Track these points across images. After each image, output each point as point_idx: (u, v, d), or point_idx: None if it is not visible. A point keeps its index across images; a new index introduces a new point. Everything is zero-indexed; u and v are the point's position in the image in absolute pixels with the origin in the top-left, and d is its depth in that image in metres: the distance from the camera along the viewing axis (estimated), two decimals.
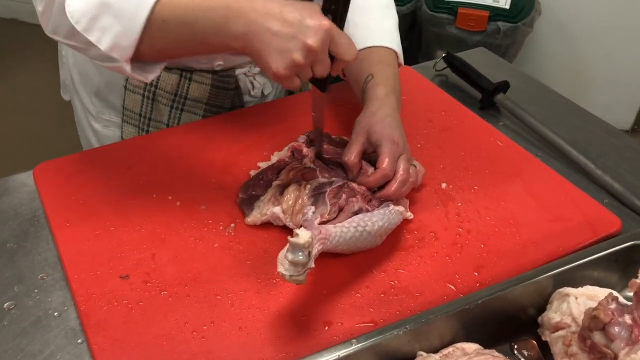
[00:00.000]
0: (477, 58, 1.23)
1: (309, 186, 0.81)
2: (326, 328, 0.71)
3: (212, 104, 1.03)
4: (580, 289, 0.68)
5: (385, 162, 0.81)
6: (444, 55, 1.18)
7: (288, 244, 0.65)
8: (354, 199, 0.79)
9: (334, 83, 1.10)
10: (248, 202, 0.84)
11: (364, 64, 0.94)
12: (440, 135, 1.01)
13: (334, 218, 0.78)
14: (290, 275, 0.65)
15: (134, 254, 0.78)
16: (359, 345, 0.62)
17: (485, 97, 1.10)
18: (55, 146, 2.40)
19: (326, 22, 0.68)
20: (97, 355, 0.67)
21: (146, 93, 1.01)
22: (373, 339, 0.63)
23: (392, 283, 0.76)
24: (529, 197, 0.89)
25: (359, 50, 0.95)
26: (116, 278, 0.75)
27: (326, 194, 0.79)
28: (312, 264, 0.66)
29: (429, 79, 1.16)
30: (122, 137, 1.05)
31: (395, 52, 0.98)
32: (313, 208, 0.78)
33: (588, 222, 0.85)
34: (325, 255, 0.77)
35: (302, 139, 0.90)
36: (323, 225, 0.72)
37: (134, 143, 0.98)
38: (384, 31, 0.98)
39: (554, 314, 0.67)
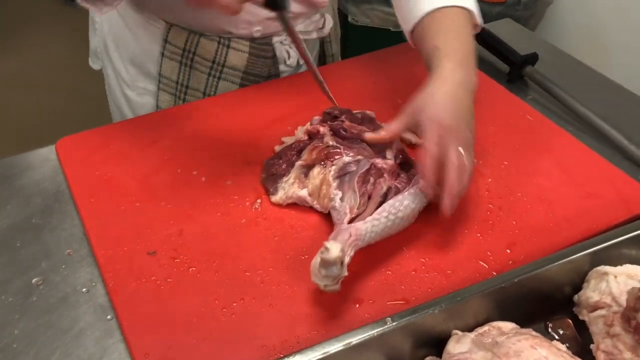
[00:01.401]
0: (503, 30, 1.20)
1: (334, 167, 0.79)
2: (357, 306, 0.70)
3: (250, 72, 1.01)
4: (619, 267, 0.66)
5: (426, 153, 0.73)
6: None
7: (320, 257, 0.65)
8: (381, 180, 0.77)
9: (370, 52, 1.08)
10: (272, 181, 0.82)
11: (431, 34, 0.84)
12: None
13: (364, 211, 0.75)
14: (325, 285, 0.66)
15: (161, 230, 0.77)
16: (394, 324, 0.61)
17: (514, 70, 1.07)
18: (76, 120, 2.40)
19: None
20: (127, 332, 0.67)
21: (184, 60, 0.99)
22: (408, 318, 0.62)
23: (423, 260, 0.75)
24: (561, 173, 0.87)
25: (429, 13, 0.84)
26: (144, 254, 0.74)
27: (354, 181, 0.76)
28: (345, 273, 0.66)
29: None
30: (157, 105, 1.04)
31: (470, 12, 0.86)
32: (340, 193, 0.75)
33: (622, 199, 0.83)
34: None
35: (316, 120, 0.88)
36: (352, 225, 0.70)
37: (156, 117, 0.97)
38: None
39: (592, 293, 0.66)
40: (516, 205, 0.82)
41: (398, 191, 0.76)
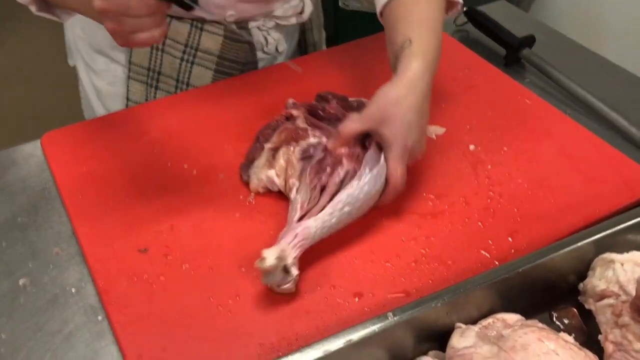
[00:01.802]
0: (499, 12, 1.17)
1: (298, 148, 0.76)
2: (356, 299, 0.68)
3: (225, 57, 0.96)
4: (626, 254, 0.64)
5: (394, 176, 0.72)
6: (465, 9, 1.12)
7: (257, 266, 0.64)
8: (339, 167, 0.73)
9: (361, 38, 1.06)
10: (245, 168, 0.80)
11: (405, 21, 0.78)
12: (465, 94, 0.96)
13: (316, 204, 0.71)
14: (278, 286, 0.65)
15: (152, 226, 0.75)
16: (396, 318, 0.59)
17: (511, 53, 1.04)
18: (62, 115, 2.34)
19: None
20: (119, 333, 0.64)
21: (155, 44, 0.94)
22: (410, 312, 0.60)
23: (423, 251, 0.73)
24: (562, 158, 0.84)
25: None
26: (134, 252, 0.72)
27: (307, 173, 0.72)
28: (294, 273, 0.65)
29: (448, 34, 1.11)
30: (127, 96, 1.00)
31: None
32: (297, 183, 0.73)
33: (625, 182, 0.81)
34: (353, 224, 0.73)
35: (290, 104, 0.84)
36: (301, 224, 0.68)
37: (144, 109, 0.93)
38: None
39: (598, 282, 0.64)
40: (517, 192, 0.80)
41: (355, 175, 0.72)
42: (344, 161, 0.73)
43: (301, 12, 1.04)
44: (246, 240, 0.73)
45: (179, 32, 0.94)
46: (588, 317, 0.67)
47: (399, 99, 0.72)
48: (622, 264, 0.63)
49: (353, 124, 0.74)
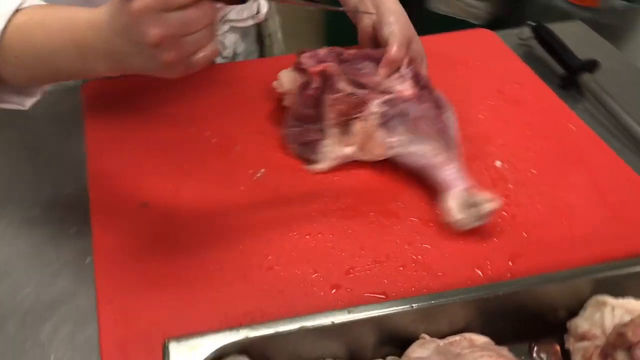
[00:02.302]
0: (570, 31, 1.11)
1: (371, 117, 0.77)
2: (333, 291, 0.67)
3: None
4: (620, 300, 0.59)
5: (394, 49, 0.80)
6: (531, 24, 1.07)
7: (487, 210, 0.70)
8: (420, 108, 0.78)
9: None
10: (310, 150, 0.79)
11: None
12: (508, 108, 0.92)
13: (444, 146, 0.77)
14: (476, 223, 0.71)
15: (159, 184, 0.77)
16: (356, 315, 0.57)
17: (569, 75, 0.99)
18: None
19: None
20: (98, 276, 0.67)
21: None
22: (372, 312, 0.58)
23: (415, 257, 0.70)
24: (591, 190, 0.79)
25: None
26: (135, 205, 0.74)
27: (417, 125, 0.77)
28: None
29: (510, 48, 1.06)
30: None
31: None
32: (402, 138, 0.76)
33: None
34: (350, 218, 0.73)
35: (309, 61, 0.80)
36: (459, 167, 0.75)
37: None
38: None
39: (583, 322, 0.59)
40: (532, 216, 0.75)
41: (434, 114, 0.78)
42: (417, 102, 0.78)
43: (257, 12, 1.01)
44: (242, 213, 0.74)
45: None
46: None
47: (408, 18, 0.83)
48: (613, 308, 0.58)
49: (400, 50, 0.80)
